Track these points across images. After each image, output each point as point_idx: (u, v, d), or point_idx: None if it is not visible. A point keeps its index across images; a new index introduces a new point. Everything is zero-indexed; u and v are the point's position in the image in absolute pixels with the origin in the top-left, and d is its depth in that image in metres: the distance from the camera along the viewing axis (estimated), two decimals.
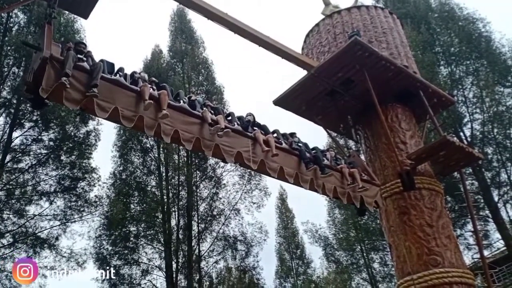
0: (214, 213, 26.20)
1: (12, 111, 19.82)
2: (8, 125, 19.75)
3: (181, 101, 6.84)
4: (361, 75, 10.65)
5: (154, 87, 6.62)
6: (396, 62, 11.17)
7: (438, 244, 9.65)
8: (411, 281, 9.44)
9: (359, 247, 30.07)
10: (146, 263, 23.37)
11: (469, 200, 11.96)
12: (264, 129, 8.02)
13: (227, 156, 6.95)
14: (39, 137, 20.85)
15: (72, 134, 21.91)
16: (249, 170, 27.39)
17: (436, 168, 11.04)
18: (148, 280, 23.26)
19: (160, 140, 26.73)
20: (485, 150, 22.64)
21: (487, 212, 22.07)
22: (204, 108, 7.14)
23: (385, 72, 10.92)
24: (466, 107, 23.56)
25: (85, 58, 5.90)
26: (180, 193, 26.05)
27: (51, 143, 21.30)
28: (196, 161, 27.30)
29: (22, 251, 20.08)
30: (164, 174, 26.08)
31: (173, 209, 25.18)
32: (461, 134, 23.00)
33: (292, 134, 8.77)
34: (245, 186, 27.08)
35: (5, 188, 19.19)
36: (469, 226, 19.93)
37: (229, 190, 27.01)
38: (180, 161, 26.92)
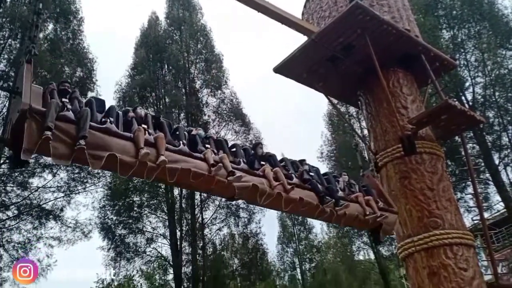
0: None
1: (11, 84, 19.65)
2: (7, 98, 19.63)
3: (181, 143, 6.12)
4: (362, 40, 10.51)
5: (151, 131, 5.90)
6: (398, 26, 11.01)
7: (438, 206, 9.78)
8: (412, 243, 9.62)
9: None
10: (150, 232, 23.75)
11: (470, 163, 12.04)
12: (272, 160, 7.40)
13: (240, 192, 6.38)
14: None
15: None
16: (250, 139, 27.47)
17: (437, 132, 11.05)
18: (153, 247, 23.72)
19: (160, 111, 26.67)
20: (487, 113, 22.58)
21: (487, 175, 22.24)
22: (207, 146, 6.46)
23: (387, 36, 10.77)
24: (468, 71, 23.33)
25: (70, 106, 5.23)
26: None
27: None
28: None
29: (27, 223, 20.35)
30: None
31: None
32: (463, 98, 22.87)
33: (302, 162, 8.12)
34: None
35: (7, 160, 19.24)
36: (470, 189, 20.12)
37: None
38: None
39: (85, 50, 22.41)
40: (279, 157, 7.82)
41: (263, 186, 6.55)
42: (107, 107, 5.99)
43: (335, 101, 14.07)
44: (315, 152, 32.76)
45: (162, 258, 23.77)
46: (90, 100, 5.73)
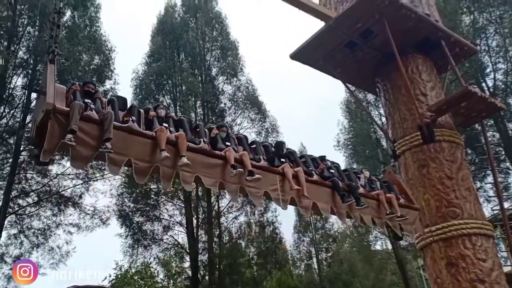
0: None
1: (30, 71, 19.88)
2: (26, 86, 19.88)
3: (201, 140, 6.13)
4: (381, 25, 10.27)
5: (172, 128, 5.96)
6: (417, 10, 10.73)
7: (457, 196, 9.59)
8: (430, 233, 9.46)
9: None
10: (167, 219, 23.93)
11: (490, 151, 11.79)
12: (292, 156, 7.37)
13: (254, 198, 6.37)
14: None
15: None
16: (266, 127, 27.42)
17: (457, 120, 10.82)
18: (170, 235, 23.92)
19: (176, 99, 26.76)
20: (508, 100, 22.05)
21: (508, 164, 21.79)
22: (227, 144, 6.40)
23: (406, 21, 10.51)
24: (489, 57, 22.76)
25: (93, 106, 5.26)
26: None
27: None
28: (213, 118, 27.32)
29: (47, 209, 20.73)
30: None
31: None
32: (483, 84, 22.36)
33: (323, 158, 8.04)
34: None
35: (27, 148, 19.58)
36: (489, 179, 19.80)
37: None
38: (197, 119, 26.98)
39: (103, 38, 22.51)
40: (296, 149, 7.80)
41: (275, 194, 6.49)
42: (128, 104, 6.12)
43: (353, 88, 13.84)
44: (332, 141, 32.52)
45: (179, 245, 23.99)
46: (112, 99, 5.80)
